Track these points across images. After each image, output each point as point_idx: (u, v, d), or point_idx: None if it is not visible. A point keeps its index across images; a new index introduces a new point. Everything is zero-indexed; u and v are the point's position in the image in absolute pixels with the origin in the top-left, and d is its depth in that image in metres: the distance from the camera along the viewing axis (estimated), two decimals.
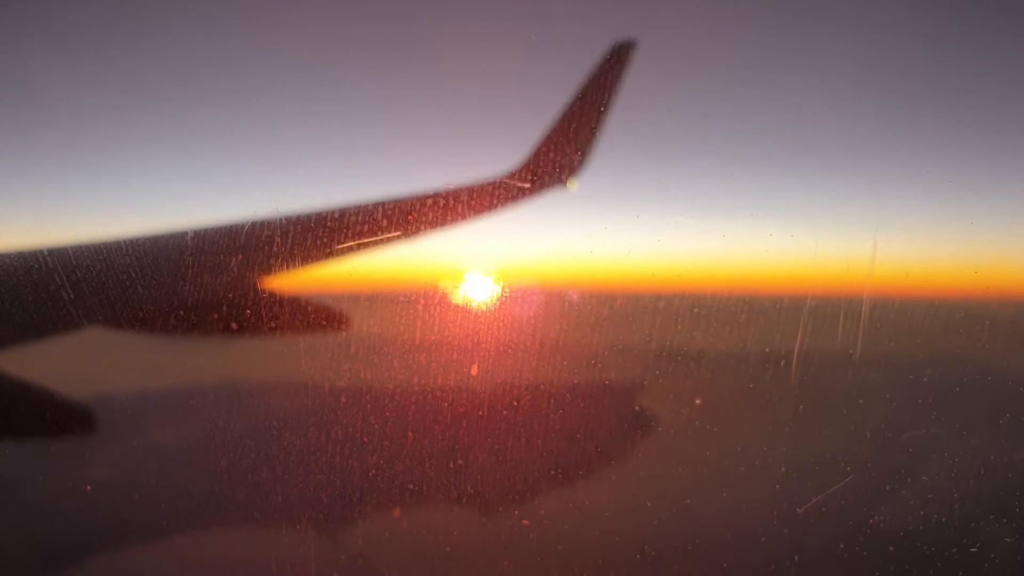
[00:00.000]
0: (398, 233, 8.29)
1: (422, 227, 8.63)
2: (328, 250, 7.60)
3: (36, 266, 6.01)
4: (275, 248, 7.31)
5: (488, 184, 9.96)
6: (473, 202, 9.46)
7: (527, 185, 10.03)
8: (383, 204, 8.90)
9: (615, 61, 9.75)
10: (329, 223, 8.23)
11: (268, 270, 7.00)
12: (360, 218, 8.63)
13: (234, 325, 7.10)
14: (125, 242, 6.97)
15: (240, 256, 7.19)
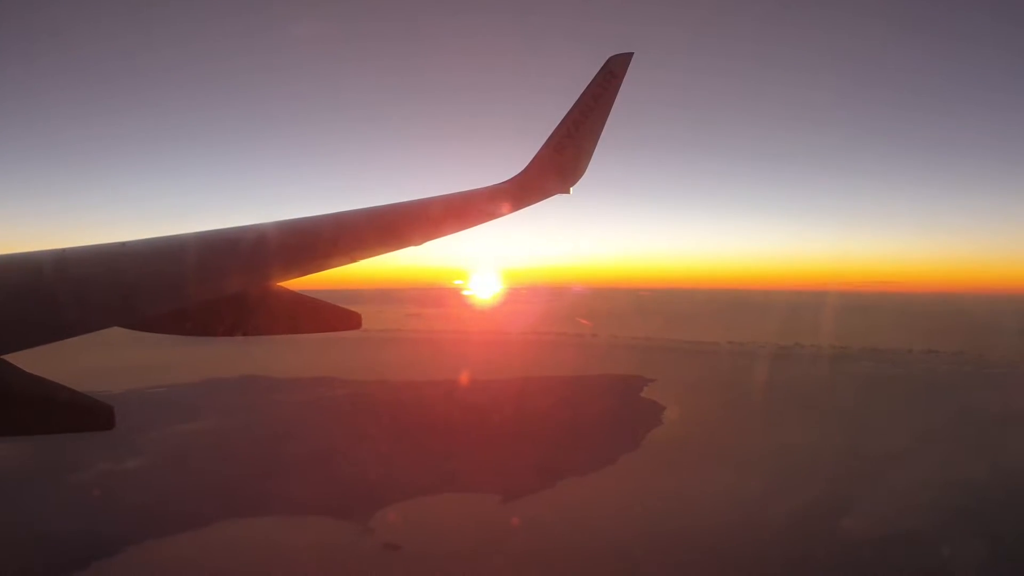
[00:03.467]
0: (406, 238, 8.14)
1: (431, 231, 8.47)
2: (343, 253, 7.45)
3: (55, 267, 6.00)
4: (285, 251, 7.20)
5: (492, 190, 10.14)
6: (478, 207, 9.59)
7: (529, 191, 10.15)
8: (391, 210, 8.87)
9: (613, 72, 9.75)
10: (343, 227, 8.10)
11: (279, 272, 6.95)
12: (370, 223, 8.49)
13: (249, 325, 7.03)
14: (142, 244, 6.89)
15: (253, 259, 7.08)
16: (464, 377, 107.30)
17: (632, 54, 9.74)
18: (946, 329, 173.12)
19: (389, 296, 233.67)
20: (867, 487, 61.18)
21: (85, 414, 4.93)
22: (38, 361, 4.92)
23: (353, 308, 7.44)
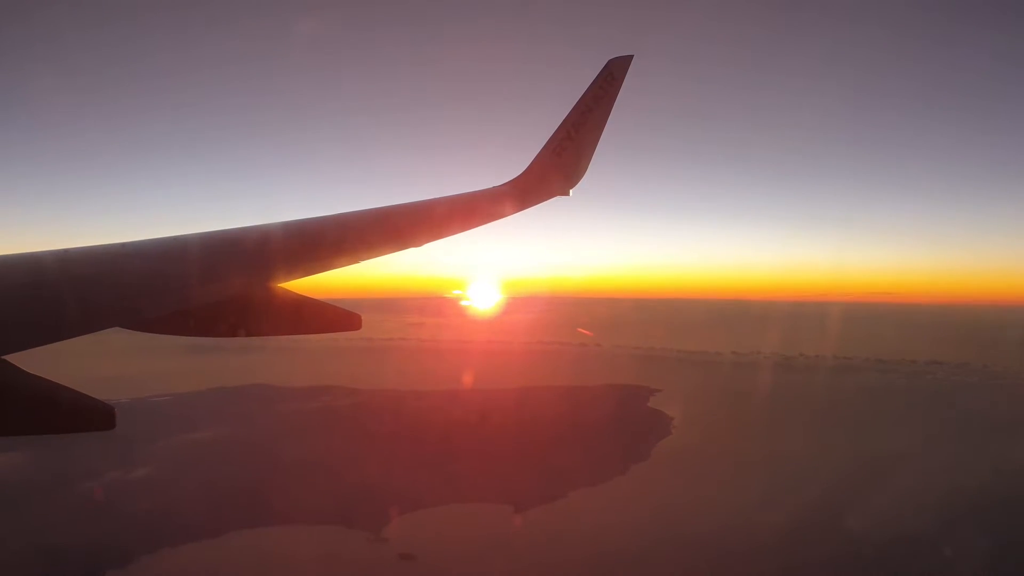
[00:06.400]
0: (407, 239, 8.15)
1: (432, 232, 8.51)
2: (344, 254, 7.51)
3: (57, 267, 5.95)
4: (287, 251, 7.27)
5: (493, 192, 10.18)
6: (479, 208, 9.60)
7: (529, 192, 10.17)
8: (391, 211, 8.92)
9: (613, 75, 9.83)
10: (345, 227, 8.13)
11: (281, 273, 6.94)
12: (370, 223, 8.47)
13: (251, 326, 7.04)
14: (144, 245, 6.85)
15: (255, 260, 7.16)
16: (471, 387, 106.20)
17: (632, 57, 9.79)
18: (949, 340, 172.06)
19: (389, 305, 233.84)
20: (885, 502, 60.04)
21: (86, 414, 4.87)
22: (42, 366, 4.80)
23: None
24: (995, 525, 54.07)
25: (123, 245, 6.66)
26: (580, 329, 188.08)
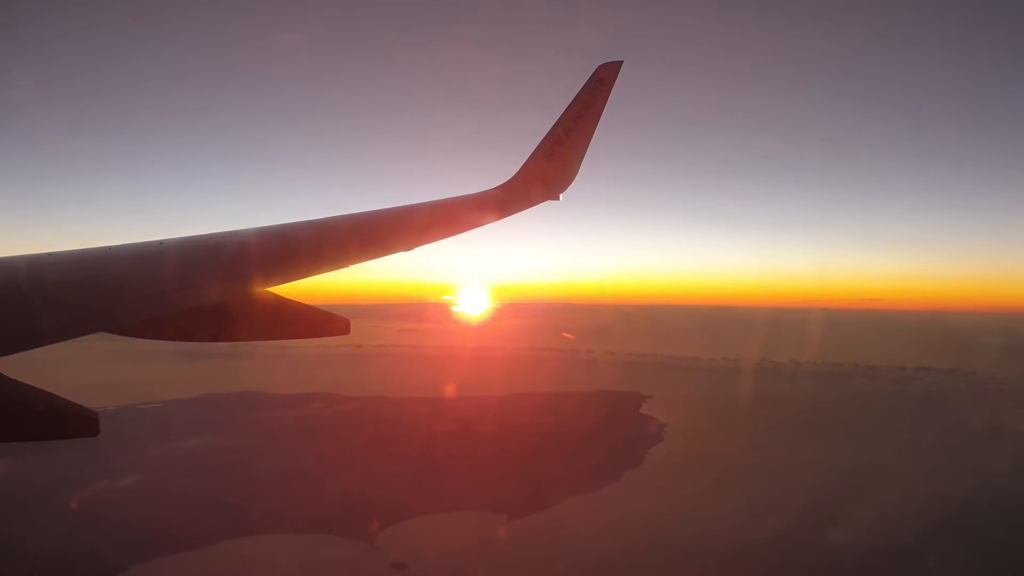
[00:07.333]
0: (394, 244, 8.08)
1: (422, 236, 8.53)
2: (330, 259, 7.44)
3: (39, 272, 5.85)
4: (271, 257, 7.18)
5: (483, 196, 10.20)
6: (469, 213, 9.57)
7: (520, 197, 10.14)
8: (374, 217, 8.88)
9: (602, 80, 9.90)
10: (332, 233, 8.11)
11: (265, 278, 6.83)
12: (357, 229, 8.48)
13: (235, 331, 6.98)
14: (130, 249, 6.77)
15: (238, 265, 7.03)
16: (463, 394, 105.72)
17: (621, 62, 9.90)
18: (936, 347, 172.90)
19: (380, 311, 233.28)
20: (875, 508, 60.04)
21: (69, 420, 4.81)
22: (27, 373, 4.69)
23: None
24: (985, 531, 54.19)
25: (107, 249, 6.59)
26: (564, 334, 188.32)
